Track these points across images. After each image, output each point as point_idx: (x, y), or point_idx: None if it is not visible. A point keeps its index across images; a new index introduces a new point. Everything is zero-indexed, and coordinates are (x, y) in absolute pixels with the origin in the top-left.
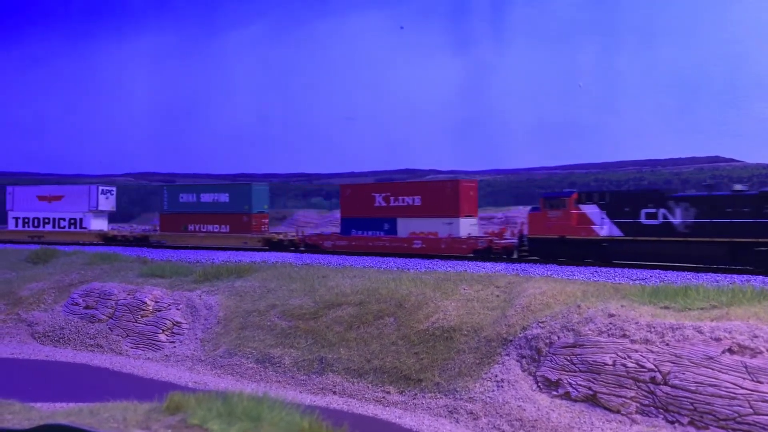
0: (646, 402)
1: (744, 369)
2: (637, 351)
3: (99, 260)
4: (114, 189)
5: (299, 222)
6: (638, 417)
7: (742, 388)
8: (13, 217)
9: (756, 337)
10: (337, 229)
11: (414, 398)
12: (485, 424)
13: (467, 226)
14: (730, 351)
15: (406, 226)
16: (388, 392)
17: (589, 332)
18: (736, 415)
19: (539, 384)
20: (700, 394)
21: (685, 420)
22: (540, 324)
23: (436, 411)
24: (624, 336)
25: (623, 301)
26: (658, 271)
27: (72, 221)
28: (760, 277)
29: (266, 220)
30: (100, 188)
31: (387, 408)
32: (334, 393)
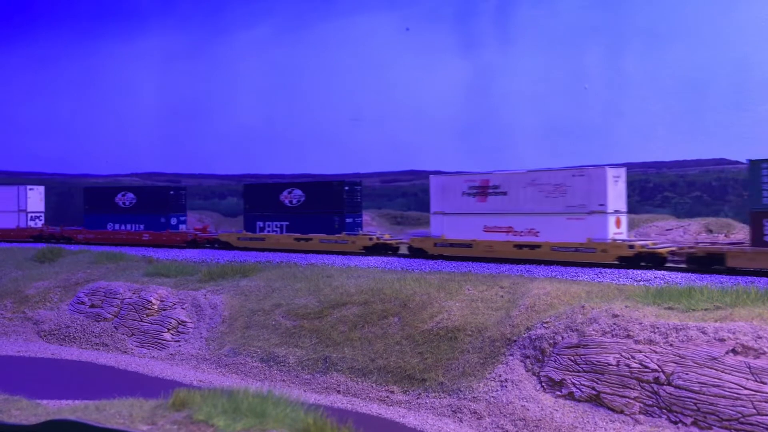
0: (650, 402)
1: (747, 370)
2: (640, 351)
3: (105, 259)
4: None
5: None
6: (641, 417)
7: (746, 388)
8: None
9: (760, 338)
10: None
11: (418, 398)
12: (489, 424)
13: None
14: (734, 352)
15: None
16: (392, 392)
17: (593, 332)
18: (740, 415)
19: (543, 384)
20: (704, 394)
21: (689, 420)
22: (544, 324)
23: (440, 410)
24: (628, 336)
25: (627, 301)
26: (662, 272)
27: None
28: (764, 279)
29: None
30: None
31: (391, 407)
32: (338, 392)
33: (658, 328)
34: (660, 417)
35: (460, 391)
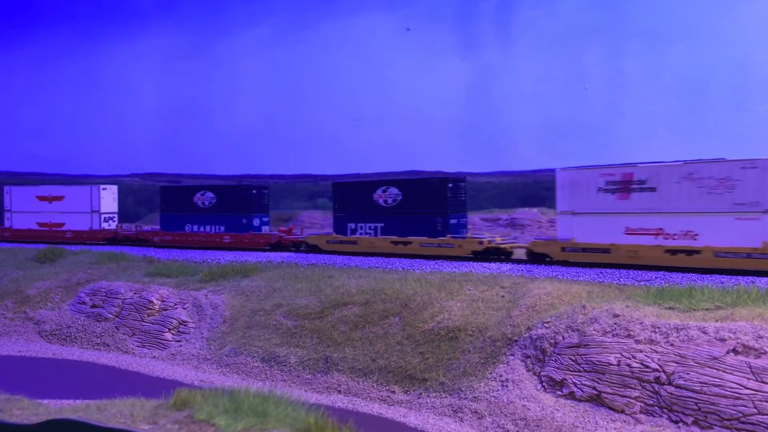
0: (651, 402)
1: (748, 369)
2: (641, 351)
3: (106, 259)
4: None
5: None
6: (642, 417)
7: (747, 388)
8: None
9: (760, 337)
10: None
11: (419, 397)
12: (489, 423)
13: None
14: (735, 351)
15: None
16: (393, 391)
17: (594, 332)
18: (741, 415)
19: (544, 384)
20: (705, 394)
21: (689, 420)
22: (545, 324)
23: (441, 410)
24: (629, 336)
25: (628, 301)
26: (662, 272)
27: None
28: (765, 279)
29: None
30: None
31: (392, 407)
32: (339, 392)
33: (658, 327)
34: (661, 416)
35: (461, 391)
